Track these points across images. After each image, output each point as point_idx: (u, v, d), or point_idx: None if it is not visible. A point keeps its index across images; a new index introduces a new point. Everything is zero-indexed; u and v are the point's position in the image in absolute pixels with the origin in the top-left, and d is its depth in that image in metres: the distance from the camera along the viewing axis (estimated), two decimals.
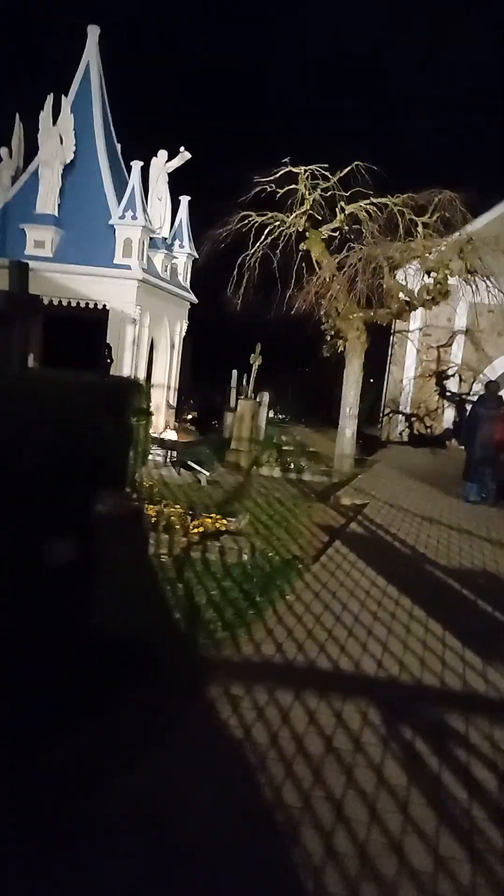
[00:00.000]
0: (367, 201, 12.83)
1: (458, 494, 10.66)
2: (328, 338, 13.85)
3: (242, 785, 2.79)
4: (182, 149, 14.17)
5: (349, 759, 3.05)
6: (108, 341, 12.65)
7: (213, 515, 7.39)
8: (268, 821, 2.57)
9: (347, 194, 12.98)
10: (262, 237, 13.06)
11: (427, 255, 12.29)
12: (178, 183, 15.03)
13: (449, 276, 12.45)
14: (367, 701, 3.59)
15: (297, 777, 2.86)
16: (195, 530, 6.80)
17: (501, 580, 6.30)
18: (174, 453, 11.85)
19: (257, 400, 14.69)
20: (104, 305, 13.03)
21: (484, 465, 10.48)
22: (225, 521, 7.30)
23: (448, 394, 20.85)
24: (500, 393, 11.13)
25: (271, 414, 27.17)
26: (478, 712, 3.58)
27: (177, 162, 14.29)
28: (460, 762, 3.10)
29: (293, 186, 12.87)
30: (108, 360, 11.86)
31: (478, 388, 20.99)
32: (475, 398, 12.59)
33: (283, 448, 15.33)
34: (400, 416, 21.24)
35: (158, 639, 4.30)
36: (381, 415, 22.01)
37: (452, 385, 21.16)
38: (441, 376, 20.68)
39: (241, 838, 2.46)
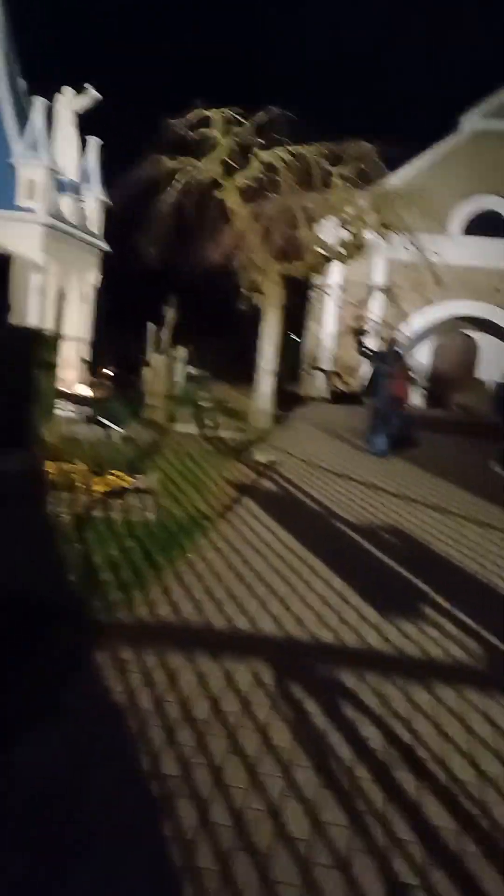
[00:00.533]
0: (283, 149, 12.52)
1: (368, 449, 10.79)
2: (245, 291, 13.58)
3: (121, 755, 2.65)
4: (88, 86, 13.43)
5: (234, 721, 2.95)
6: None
7: (118, 473, 7.14)
8: (142, 793, 2.44)
9: (263, 142, 12.64)
10: (176, 184, 12.62)
11: (343, 207, 12.11)
12: (88, 125, 14.32)
13: (364, 230, 12.34)
14: (260, 661, 3.49)
15: (179, 743, 2.74)
16: (99, 488, 6.55)
17: (405, 534, 6.33)
18: (87, 409, 11.47)
19: (174, 355, 14.37)
20: (5, 251, 12.34)
21: (383, 420, 10.77)
22: (131, 479, 7.08)
23: (366, 350, 20.93)
24: (398, 350, 11.30)
25: (192, 369, 26.82)
26: (370, 669, 3.54)
27: (84, 101, 13.54)
28: (347, 720, 3.04)
29: (207, 130, 12.43)
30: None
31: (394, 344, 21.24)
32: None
33: (201, 404, 15.10)
34: (319, 372, 21.26)
35: (49, 602, 4.09)
36: (300, 371, 22.01)
37: (370, 341, 21.25)
38: (359, 332, 20.71)
39: (111, 812, 2.32)
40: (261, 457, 10.06)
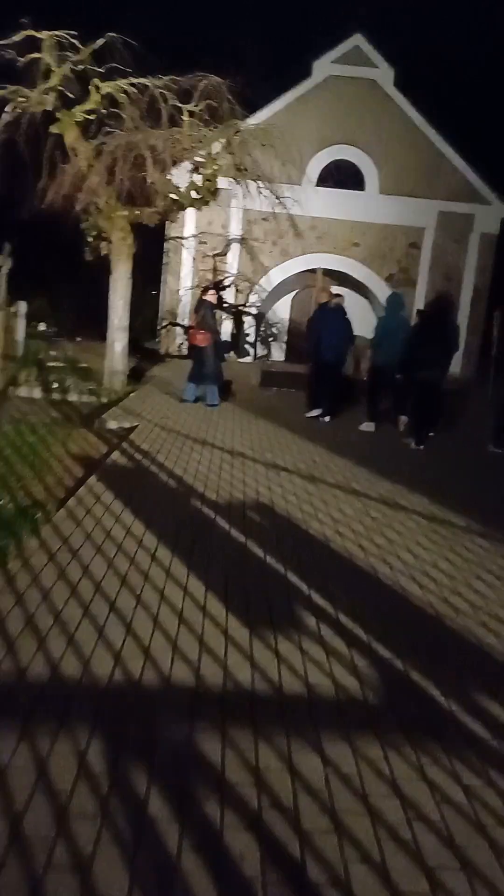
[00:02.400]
0: (126, 81, 11.25)
1: (227, 410, 10.21)
2: (90, 239, 12.29)
3: None
4: None
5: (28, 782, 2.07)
6: None
7: None
8: None
9: (103, 71, 11.29)
10: (6, 116, 11.06)
11: (193, 146, 11.05)
12: None
13: (218, 174, 11.36)
14: (83, 726, 2.62)
15: None
16: None
17: (275, 511, 5.60)
18: None
19: (12, 310, 12.91)
20: None
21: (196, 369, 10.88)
22: None
23: (225, 305, 20.11)
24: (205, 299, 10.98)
25: (43, 327, 24.93)
26: (233, 713, 2.75)
27: None
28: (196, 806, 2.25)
29: (37, 55, 10.91)
30: None
31: (253, 298, 20.55)
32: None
33: (49, 365, 13.76)
34: (178, 328, 20.24)
35: None
36: (159, 328, 20.88)
37: (229, 296, 20.46)
38: (218, 286, 19.82)
39: None
40: (113, 423, 9.06)
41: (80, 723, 2.60)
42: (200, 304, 10.98)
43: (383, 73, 19.81)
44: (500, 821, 2.24)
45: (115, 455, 7.07)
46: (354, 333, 11.03)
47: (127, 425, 8.93)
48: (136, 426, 8.75)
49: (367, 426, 10.13)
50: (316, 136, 19.26)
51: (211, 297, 11.09)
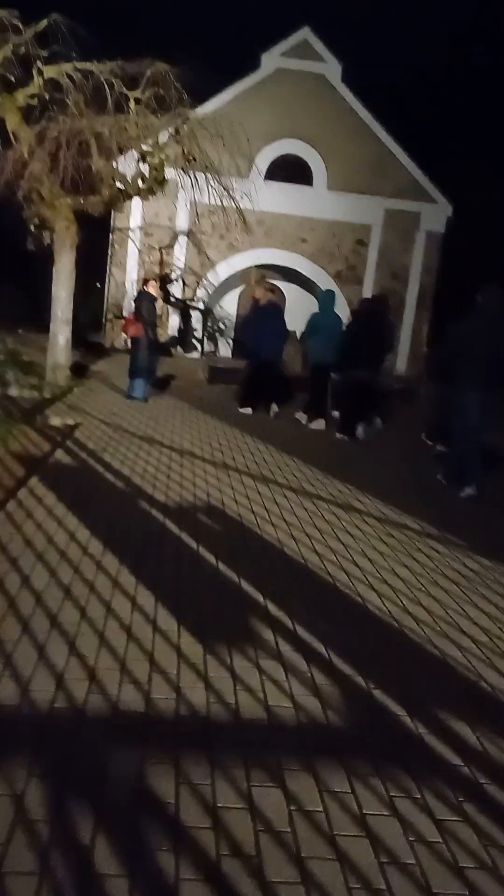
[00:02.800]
0: (71, 65, 10.83)
1: (174, 406, 10.01)
2: (32, 228, 11.83)
3: None
4: None
5: None
6: None
7: None
8: None
9: (46, 54, 10.85)
10: None
11: (140, 135, 10.69)
12: None
13: (166, 163, 11.03)
14: (24, 762, 2.37)
15: None
16: None
17: (227, 514, 5.40)
18: None
19: None
20: None
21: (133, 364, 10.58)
22: None
23: (172, 300, 19.82)
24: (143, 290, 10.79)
25: None
26: (186, 745, 2.54)
27: None
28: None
29: None
30: None
31: (200, 293, 20.25)
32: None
33: None
34: (123, 321, 19.82)
35: None
36: (104, 321, 20.42)
37: (176, 290, 20.14)
38: (164, 280, 19.46)
39: None
40: (56, 420, 8.69)
41: (17, 759, 2.35)
42: (140, 296, 10.67)
43: (331, 68, 19.72)
44: (481, 862, 2.08)
45: (59, 454, 6.76)
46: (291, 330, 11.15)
47: (71, 422, 8.59)
48: (81, 423, 8.43)
49: (318, 423, 10.02)
50: (262, 129, 19.04)
51: (151, 288, 10.81)
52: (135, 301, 10.74)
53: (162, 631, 3.38)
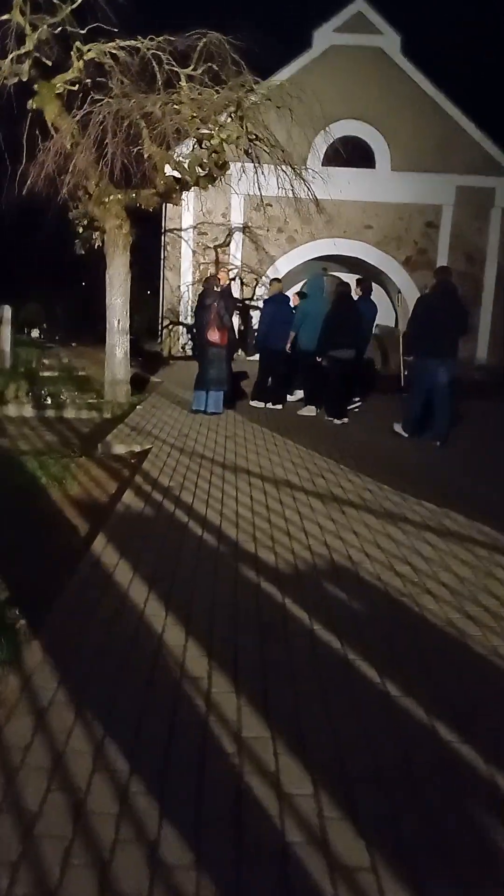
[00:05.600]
0: (113, 43, 9.62)
1: (256, 419, 9.06)
2: (80, 229, 10.68)
3: None
4: None
5: None
6: None
7: None
8: None
9: (84, 32, 9.67)
10: None
11: (194, 115, 9.37)
12: None
13: (226, 144, 9.69)
14: None
15: None
16: None
17: (361, 577, 4.01)
18: None
19: None
20: None
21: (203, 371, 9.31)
22: None
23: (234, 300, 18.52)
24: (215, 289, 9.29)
25: (35, 333, 23.28)
26: None
27: None
28: None
29: (5, 17, 9.28)
30: None
31: (260, 291, 18.91)
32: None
33: (43, 375, 12.22)
34: (181, 327, 18.67)
35: None
36: (160, 328, 19.29)
37: (234, 289, 18.84)
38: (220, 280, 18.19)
39: None
40: (120, 447, 7.48)
41: None
42: (210, 294, 9.18)
43: (389, 40, 18.26)
44: None
45: (128, 496, 5.45)
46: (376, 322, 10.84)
47: (137, 448, 7.36)
48: (149, 449, 7.17)
49: (308, 410, 9.89)
50: (319, 111, 17.59)
51: (222, 276, 9.61)
52: (202, 300, 9.31)
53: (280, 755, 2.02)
